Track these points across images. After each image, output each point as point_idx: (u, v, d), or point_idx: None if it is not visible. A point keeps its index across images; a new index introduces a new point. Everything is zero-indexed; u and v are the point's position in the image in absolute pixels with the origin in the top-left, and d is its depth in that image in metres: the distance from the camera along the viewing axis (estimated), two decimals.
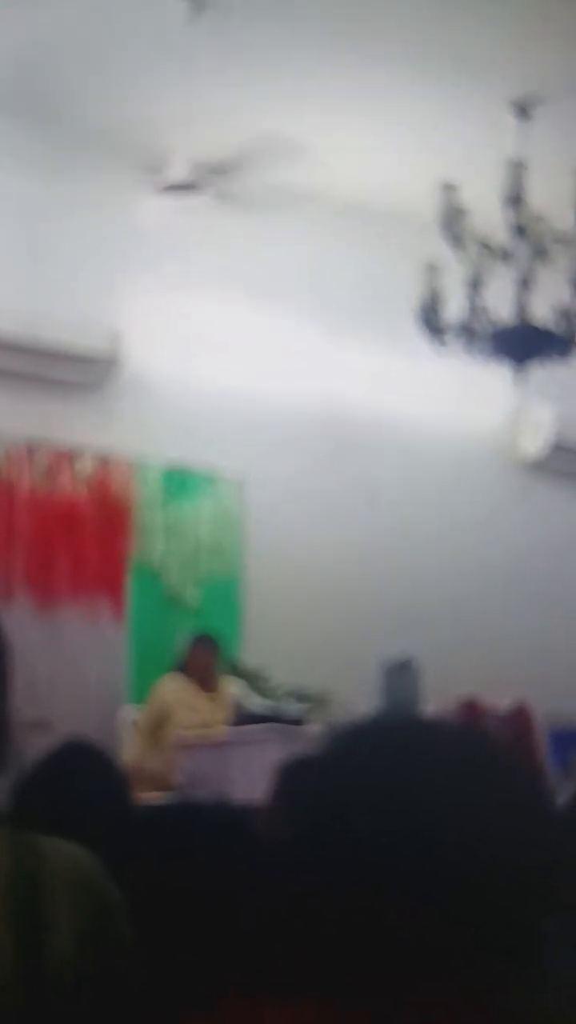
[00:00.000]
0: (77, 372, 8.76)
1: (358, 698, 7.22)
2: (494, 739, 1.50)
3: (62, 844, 1.78)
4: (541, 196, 7.87)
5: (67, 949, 1.69)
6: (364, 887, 1.35)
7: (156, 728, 7.98)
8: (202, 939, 2.05)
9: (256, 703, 7.87)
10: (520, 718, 8.53)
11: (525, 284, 8.03)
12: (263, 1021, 1.38)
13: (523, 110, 8.13)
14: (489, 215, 7.89)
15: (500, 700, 8.39)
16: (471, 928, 1.35)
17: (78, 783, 2.92)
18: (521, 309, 8.04)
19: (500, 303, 8.06)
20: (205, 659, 8.19)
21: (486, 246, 7.96)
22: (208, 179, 8.45)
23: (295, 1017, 1.37)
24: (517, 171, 7.93)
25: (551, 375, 8.47)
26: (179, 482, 9.18)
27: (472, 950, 1.36)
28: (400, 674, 8.21)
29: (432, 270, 7.99)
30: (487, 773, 1.42)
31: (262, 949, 1.50)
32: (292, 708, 7.70)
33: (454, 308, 8.07)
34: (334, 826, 1.38)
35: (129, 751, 7.87)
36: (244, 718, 7.58)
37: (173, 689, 8.10)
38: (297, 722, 7.38)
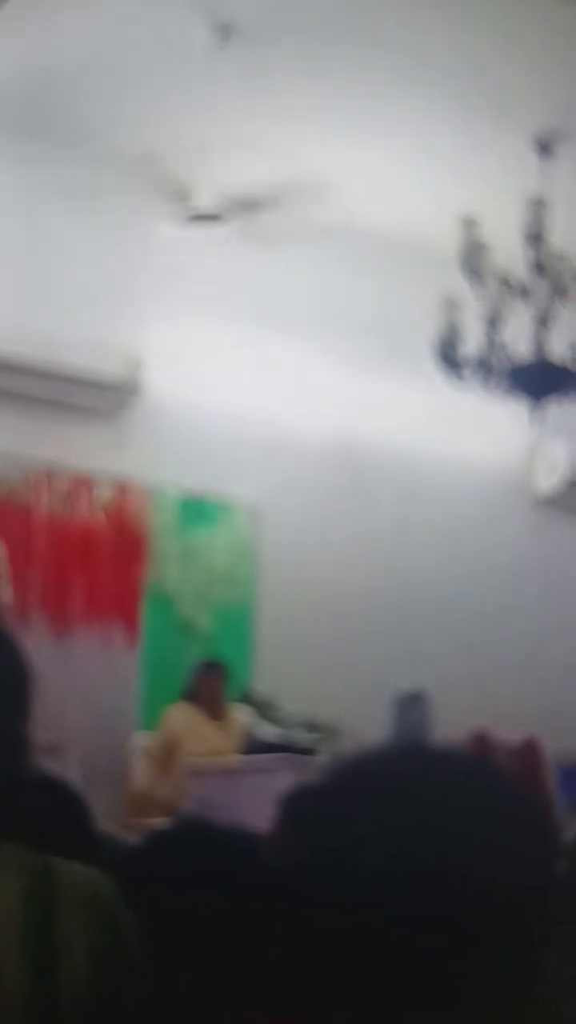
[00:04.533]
0: (96, 398, 8.75)
1: (368, 729, 7.12)
2: (499, 769, 1.49)
3: (77, 866, 1.77)
4: (561, 234, 7.87)
5: (81, 970, 1.69)
6: (364, 915, 1.34)
7: (166, 757, 7.91)
8: (210, 963, 2.03)
9: (267, 732, 7.86)
10: (529, 753, 8.45)
11: (543, 321, 8.03)
12: None
13: (545, 147, 8.09)
14: (509, 251, 7.89)
15: (510, 735, 8.29)
16: (473, 955, 1.35)
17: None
18: (539, 346, 8.03)
19: (518, 339, 8.05)
20: (213, 686, 8.12)
21: (505, 282, 7.96)
22: (231, 210, 8.47)
23: None
24: (538, 208, 7.92)
25: (567, 412, 8.47)
26: (195, 510, 9.17)
27: (474, 976, 1.35)
28: (411, 706, 8.16)
29: (451, 305, 7.98)
30: (491, 802, 1.41)
31: (271, 973, 1.48)
32: (303, 737, 7.68)
33: (472, 343, 8.06)
34: (337, 854, 1.37)
35: (139, 777, 7.88)
36: (255, 747, 7.55)
37: (181, 718, 8.02)
38: (308, 752, 7.35)
